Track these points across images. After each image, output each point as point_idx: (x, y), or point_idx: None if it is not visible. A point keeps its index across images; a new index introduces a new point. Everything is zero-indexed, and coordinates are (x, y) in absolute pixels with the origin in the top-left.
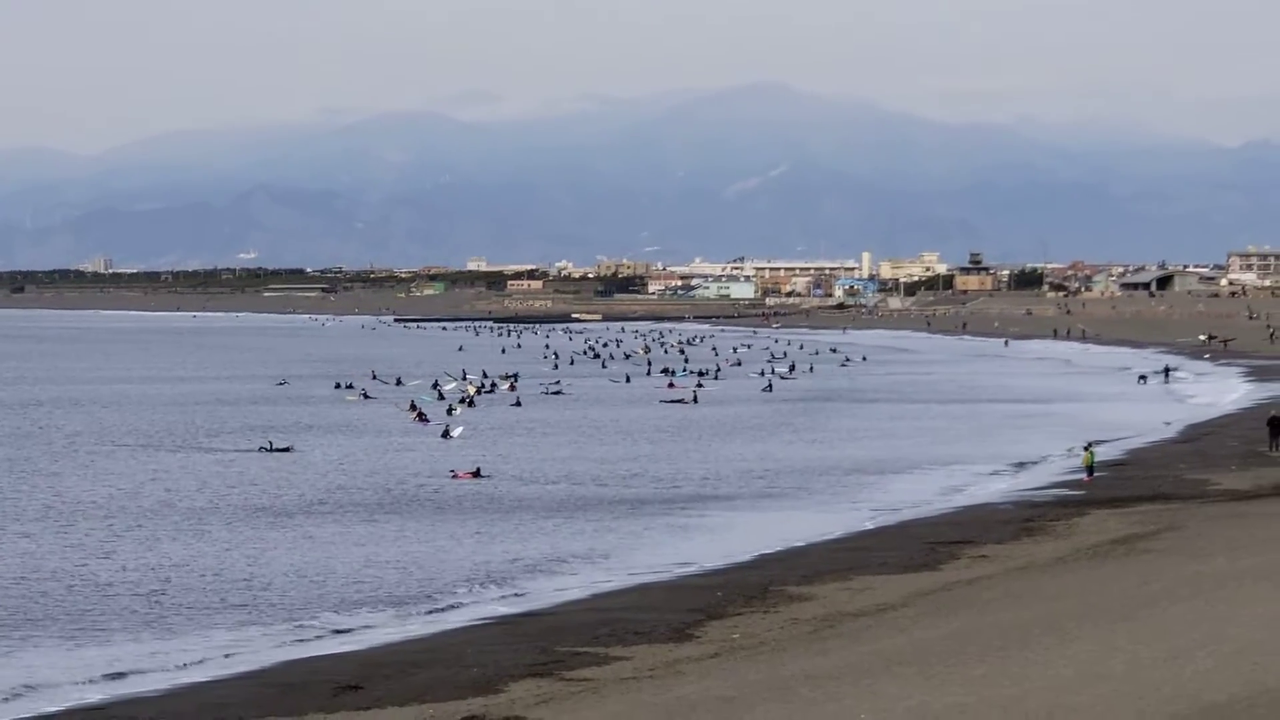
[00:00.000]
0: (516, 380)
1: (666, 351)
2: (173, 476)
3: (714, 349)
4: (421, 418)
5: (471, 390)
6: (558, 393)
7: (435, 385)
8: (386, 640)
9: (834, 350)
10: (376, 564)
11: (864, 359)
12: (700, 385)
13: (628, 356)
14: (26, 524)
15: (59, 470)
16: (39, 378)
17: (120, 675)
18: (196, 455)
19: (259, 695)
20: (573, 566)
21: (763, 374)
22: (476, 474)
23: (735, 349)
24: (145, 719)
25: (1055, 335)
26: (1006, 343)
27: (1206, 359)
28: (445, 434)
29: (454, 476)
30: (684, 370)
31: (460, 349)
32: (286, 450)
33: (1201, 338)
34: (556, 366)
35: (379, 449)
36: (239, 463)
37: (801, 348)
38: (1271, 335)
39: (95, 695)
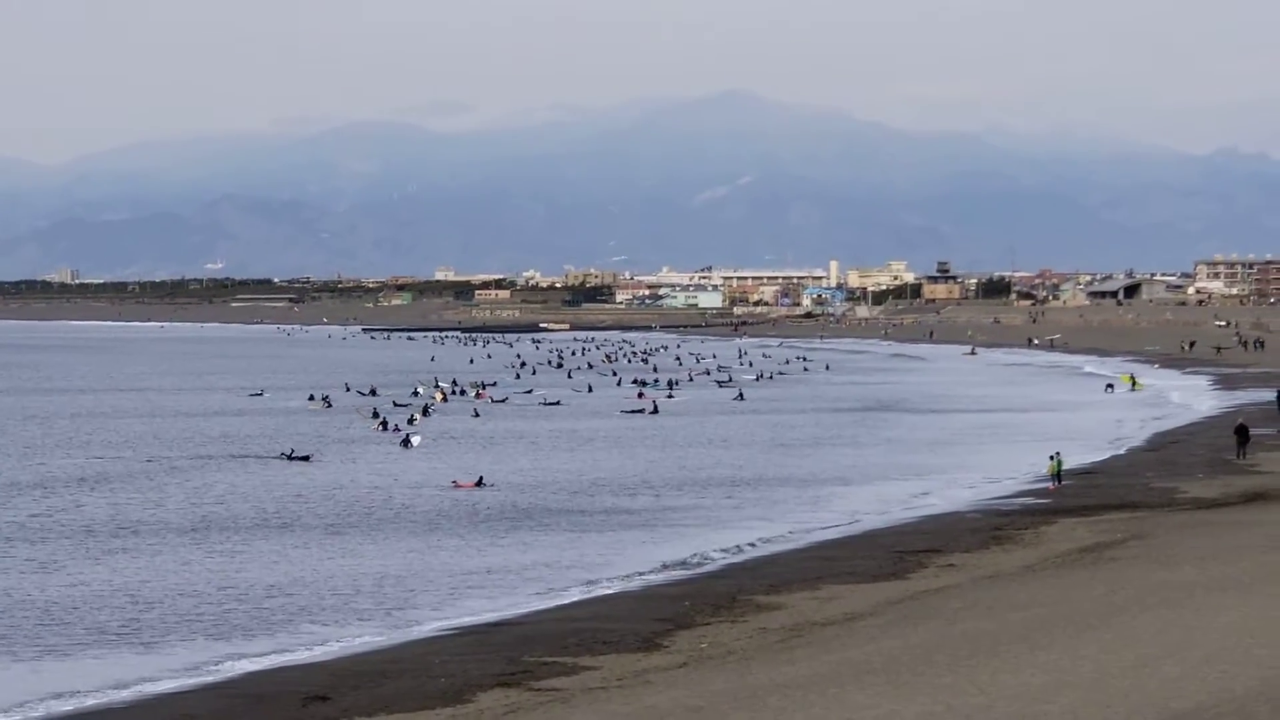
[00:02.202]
0: (485, 388)
1: (630, 361)
2: (158, 489)
3: (678, 358)
4: (384, 426)
5: (439, 398)
6: (556, 403)
7: (415, 393)
8: (355, 651)
9: (802, 359)
10: (349, 575)
11: (827, 368)
12: (671, 395)
13: (590, 366)
14: None
15: (41, 482)
16: (10, 389)
17: (88, 688)
18: (188, 464)
19: (228, 706)
20: (542, 575)
21: (720, 383)
22: (479, 483)
23: (699, 359)
24: None
25: (1030, 344)
26: (973, 350)
27: (1156, 367)
28: (405, 443)
29: (455, 486)
30: (654, 381)
31: (433, 359)
32: (306, 459)
33: (1185, 346)
34: (519, 376)
35: (372, 458)
36: (237, 473)
37: (766, 356)
38: (1244, 344)
39: (63, 706)
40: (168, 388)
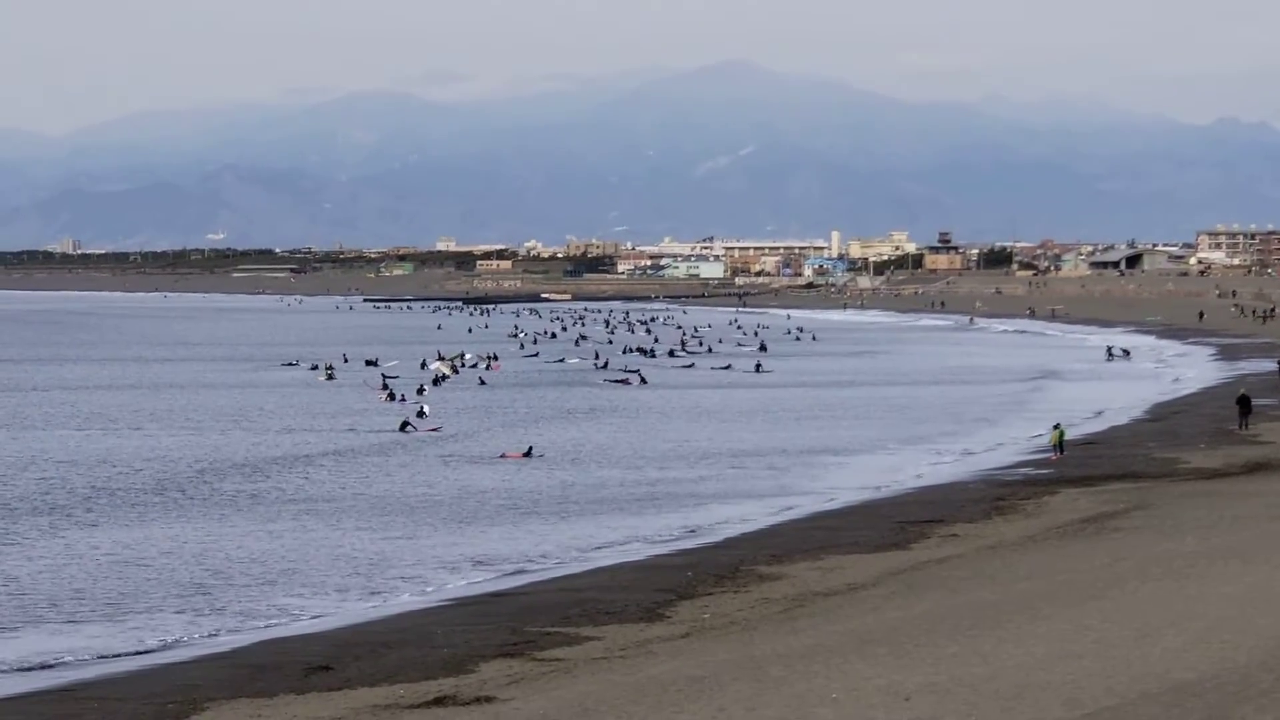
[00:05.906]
0: (496, 359)
1: (633, 331)
2: (166, 460)
3: (679, 328)
4: (392, 397)
5: (447, 370)
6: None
7: (423, 365)
8: (357, 621)
9: (801, 330)
10: (355, 547)
11: (814, 338)
12: (692, 365)
13: (584, 338)
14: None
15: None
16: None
17: (89, 657)
18: (211, 437)
19: (230, 676)
20: (544, 546)
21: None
22: (528, 454)
23: (696, 329)
24: (114, 699)
25: (1031, 314)
26: (972, 320)
27: (1152, 337)
28: (420, 413)
29: (503, 458)
30: (652, 351)
31: (439, 328)
32: (436, 429)
33: (1199, 316)
34: (523, 346)
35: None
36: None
37: (766, 328)
38: (1252, 313)
39: (64, 676)
40: (210, 357)
